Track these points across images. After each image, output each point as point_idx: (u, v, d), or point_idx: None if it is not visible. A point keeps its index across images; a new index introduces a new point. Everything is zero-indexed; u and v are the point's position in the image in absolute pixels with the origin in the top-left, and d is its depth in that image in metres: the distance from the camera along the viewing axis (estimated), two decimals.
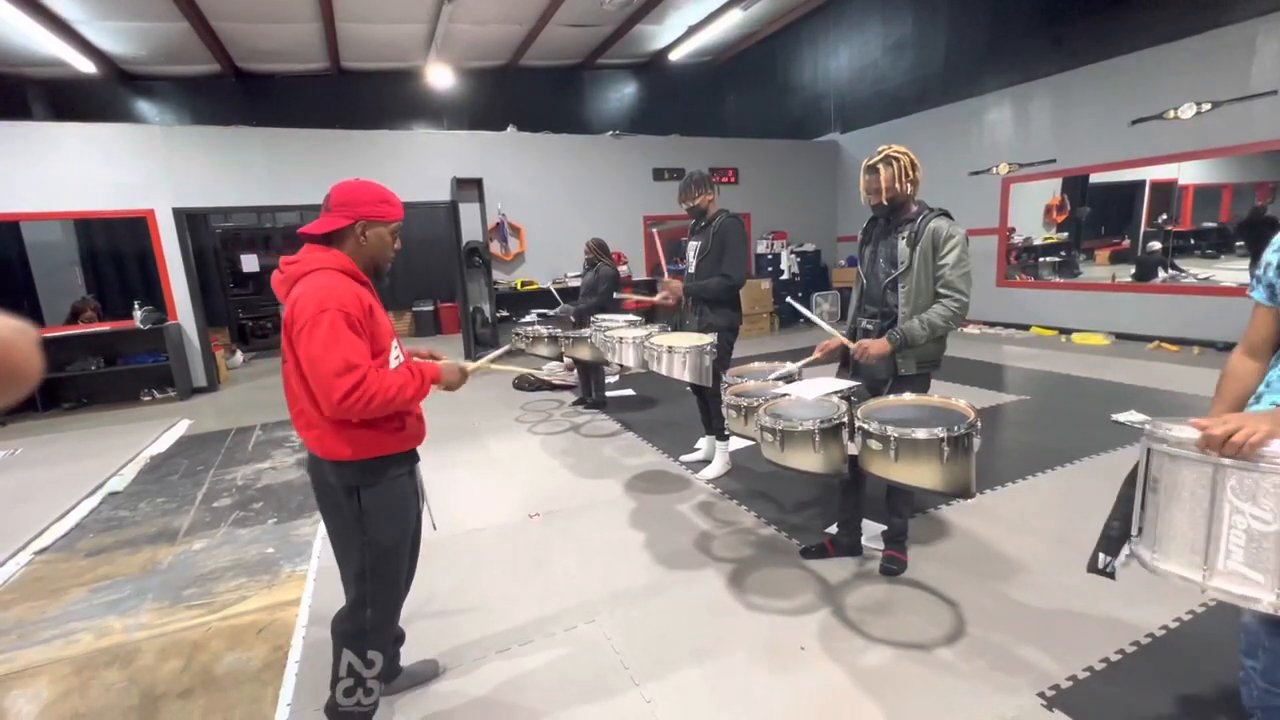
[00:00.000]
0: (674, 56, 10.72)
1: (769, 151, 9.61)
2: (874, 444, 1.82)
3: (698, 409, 3.74)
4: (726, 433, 3.53)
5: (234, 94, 9.21)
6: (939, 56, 8.53)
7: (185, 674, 2.09)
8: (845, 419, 1.96)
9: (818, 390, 2.19)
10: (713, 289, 3.28)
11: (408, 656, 2.01)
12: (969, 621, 2.09)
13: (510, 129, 8.21)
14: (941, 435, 1.70)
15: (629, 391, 5.74)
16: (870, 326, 2.36)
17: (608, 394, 5.53)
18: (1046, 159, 7.26)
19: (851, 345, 2.33)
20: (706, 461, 3.69)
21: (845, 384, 2.23)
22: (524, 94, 10.49)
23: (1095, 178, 7.23)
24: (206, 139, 6.69)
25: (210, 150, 6.66)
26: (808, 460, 1.94)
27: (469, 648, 2.13)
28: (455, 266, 7.80)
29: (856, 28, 9.65)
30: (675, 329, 3.48)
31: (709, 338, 2.93)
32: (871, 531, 2.65)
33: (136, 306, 6.35)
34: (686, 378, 2.85)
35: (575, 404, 5.31)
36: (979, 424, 1.76)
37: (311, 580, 2.63)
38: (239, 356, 8.57)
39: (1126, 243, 7.63)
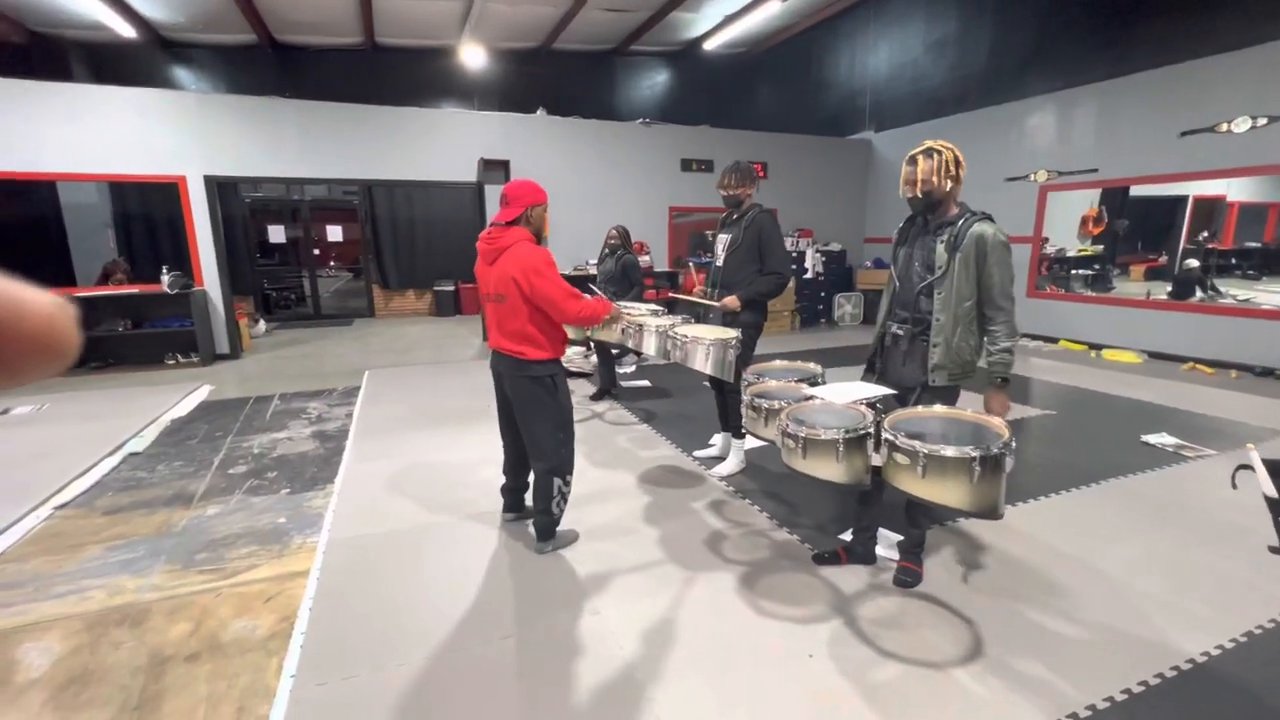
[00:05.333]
0: (708, 46, 10.56)
1: (800, 147, 9.45)
2: (900, 458, 1.75)
3: (714, 404, 3.69)
4: (743, 431, 3.48)
5: (269, 65, 9.26)
6: (981, 57, 8.29)
7: (193, 638, 2.10)
8: (871, 429, 1.90)
9: (844, 395, 2.12)
10: (768, 289, 3.21)
11: (384, 639, 2.00)
12: (986, 641, 2.03)
13: (540, 112, 8.15)
14: (974, 455, 1.63)
15: (645, 383, 5.70)
16: (900, 331, 2.28)
17: (623, 384, 5.50)
18: (1088, 168, 7.03)
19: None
20: (720, 458, 3.64)
21: (873, 390, 2.16)
22: (555, 78, 10.41)
23: (1135, 190, 7.00)
24: (240, 108, 6.73)
25: (243, 120, 6.70)
26: (830, 470, 1.88)
27: (471, 632, 2.12)
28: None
29: (898, 23, 9.41)
30: (698, 321, 3.42)
31: (733, 332, 2.88)
32: (887, 540, 2.59)
33: (165, 271, 6.44)
34: (708, 370, 2.79)
35: (593, 396, 5.25)
36: (1013, 443, 1.69)
37: (321, 553, 2.64)
38: (262, 325, 8.67)
39: (1163, 259, 7.39)
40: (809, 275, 9.24)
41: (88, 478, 3.51)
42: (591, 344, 5.43)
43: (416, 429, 4.34)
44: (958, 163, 2.12)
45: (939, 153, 2.11)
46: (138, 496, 3.28)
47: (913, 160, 2.16)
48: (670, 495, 3.24)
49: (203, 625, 2.17)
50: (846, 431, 1.85)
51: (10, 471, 3.58)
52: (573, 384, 5.65)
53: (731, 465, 3.49)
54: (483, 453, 3.78)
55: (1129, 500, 3.13)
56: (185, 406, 4.96)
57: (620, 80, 11.24)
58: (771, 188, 9.28)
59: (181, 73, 9.14)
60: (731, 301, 3.22)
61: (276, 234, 10.59)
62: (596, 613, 2.20)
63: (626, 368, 6.23)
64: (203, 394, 5.37)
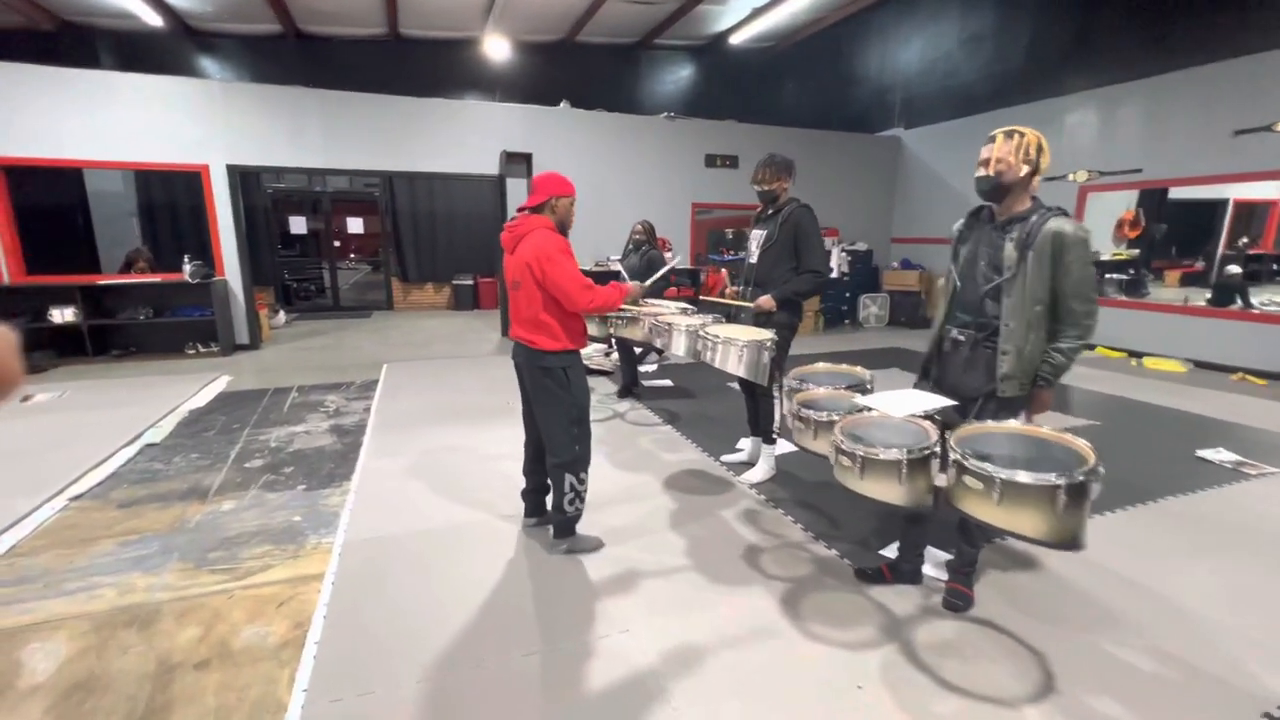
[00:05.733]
0: (735, 40, 10.35)
1: (827, 143, 9.22)
2: (972, 481, 1.59)
3: (740, 406, 3.53)
4: (774, 436, 3.33)
5: (293, 55, 9.24)
6: (1020, 51, 8.00)
7: (203, 644, 2.00)
8: (936, 448, 1.74)
9: (902, 406, 1.96)
10: (805, 288, 3.06)
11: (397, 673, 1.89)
12: (1056, 675, 1.86)
13: (564, 104, 8.02)
14: (1059, 483, 1.47)
15: (666, 382, 5.56)
16: (962, 337, 2.10)
17: (645, 383, 5.36)
18: (1131, 168, 6.74)
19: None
20: (749, 464, 3.49)
21: (933, 401, 2.00)
22: (578, 71, 10.28)
23: (1174, 193, 6.71)
24: (263, 97, 6.69)
25: (266, 109, 6.66)
26: (890, 491, 1.73)
27: (492, 646, 2.00)
28: (498, 241, 7.68)
29: (931, 18, 9.14)
30: (729, 320, 3.27)
31: (768, 333, 2.72)
32: (934, 559, 2.43)
33: (186, 260, 6.41)
34: (741, 373, 2.64)
35: (618, 393, 5.13)
36: (1100, 468, 1.52)
37: (336, 556, 2.53)
38: (281, 316, 8.66)
39: (1200, 265, 7.09)
40: (834, 275, 9.02)
41: (104, 468, 3.45)
42: (613, 341, 5.31)
43: (434, 424, 4.24)
44: (1040, 150, 1.94)
45: (1021, 134, 1.94)
46: (153, 489, 3.21)
47: (991, 138, 1.99)
48: (698, 502, 3.09)
49: (213, 630, 2.07)
50: (910, 451, 1.69)
51: (28, 460, 3.54)
52: (594, 382, 5.53)
53: (762, 472, 3.33)
54: (501, 450, 3.66)
55: (1190, 521, 2.92)
56: (204, 397, 4.92)
57: (644, 74, 11.08)
58: (797, 185, 9.03)
59: (207, 62, 9.14)
60: (766, 301, 3.06)
61: (298, 225, 10.59)
62: (626, 630, 2.07)
63: (648, 366, 6.09)
64: (221, 384, 5.33)
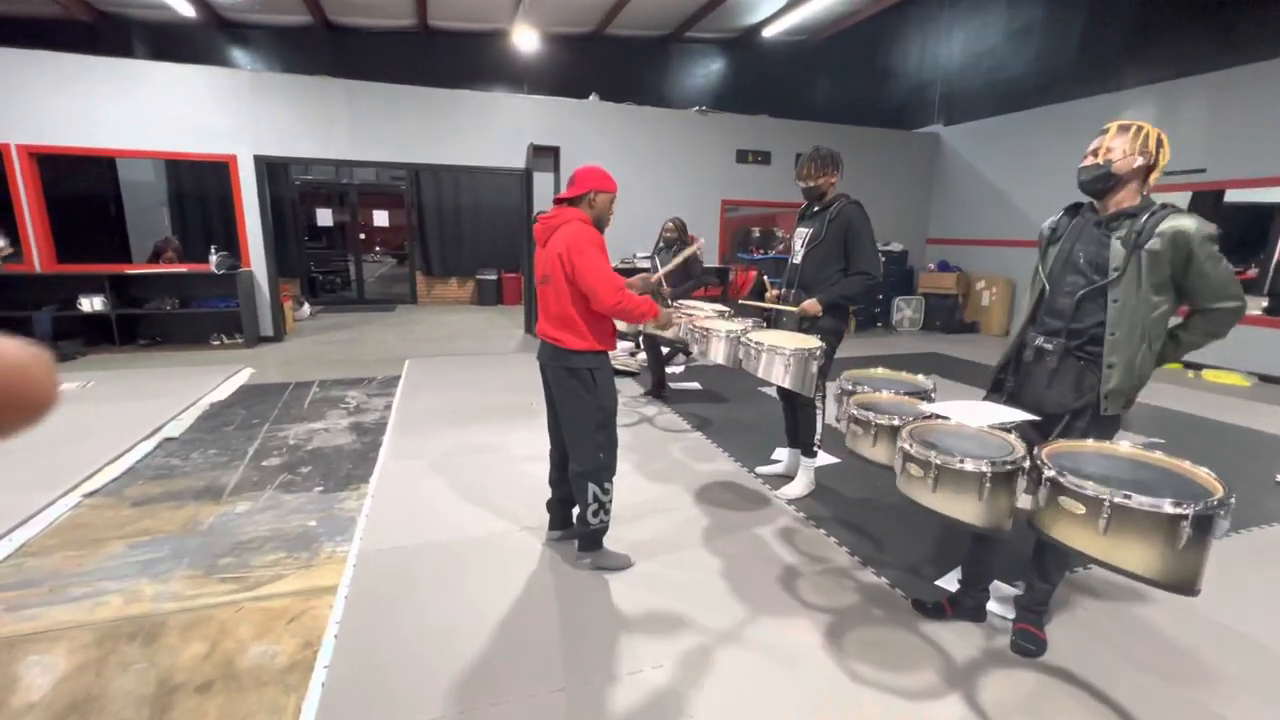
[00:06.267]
0: (767, 33, 10.08)
1: (861, 139, 8.89)
2: (1071, 504, 1.38)
3: (775, 413, 3.32)
4: (815, 449, 3.12)
5: (323, 46, 9.22)
6: (1072, 44, 7.61)
7: (207, 662, 1.87)
8: (1024, 463, 1.53)
9: (977, 417, 1.74)
10: (854, 291, 2.83)
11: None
12: None
13: (593, 97, 7.84)
14: (1185, 512, 1.25)
15: (694, 385, 5.36)
16: (1049, 346, 1.86)
17: (672, 386, 5.17)
18: (1194, 168, 6.33)
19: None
20: (787, 477, 3.28)
21: (1010, 414, 1.78)
22: (606, 64, 10.11)
23: (1230, 195, 6.30)
24: (291, 87, 6.63)
25: (294, 100, 6.60)
26: (966, 508, 1.53)
27: (514, 680, 1.83)
28: (524, 236, 7.56)
29: (976, 9, 8.77)
30: (770, 325, 3.06)
31: (816, 341, 2.51)
32: (999, 593, 2.20)
33: (212, 251, 6.39)
34: (786, 384, 2.44)
35: (645, 395, 4.97)
36: (1232, 500, 1.30)
37: (350, 567, 2.39)
38: (306, 309, 8.65)
39: (1253, 272, 6.68)
40: None
41: (121, 463, 3.37)
42: (640, 340, 5.13)
43: (456, 424, 4.11)
44: (1161, 145, 1.71)
45: (1140, 127, 1.72)
46: (168, 486, 3.12)
47: (1104, 130, 1.77)
48: (732, 518, 2.90)
49: (219, 646, 1.95)
50: (995, 464, 1.49)
51: (46, 453, 3.47)
52: (618, 384, 5.36)
53: (800, 487, 3.12)
54: (525, 452, 3.52)
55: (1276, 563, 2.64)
56: (225, 390, 4.86)
57: (674, 68, 10.86)
58: None
59: (239, 53, 9.17)
60: (812, 306, 2.85)
61: (324, 217, 10.59)
62: (659, 666, 1.88)
63: (675, 368, 5.89)
64: (243, 377, 5.27)
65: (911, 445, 1.61)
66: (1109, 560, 1.35)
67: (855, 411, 1.92)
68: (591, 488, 2.29)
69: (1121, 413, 1.77)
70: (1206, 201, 6.53)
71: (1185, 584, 1.33)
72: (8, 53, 5.68)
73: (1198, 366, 6.29)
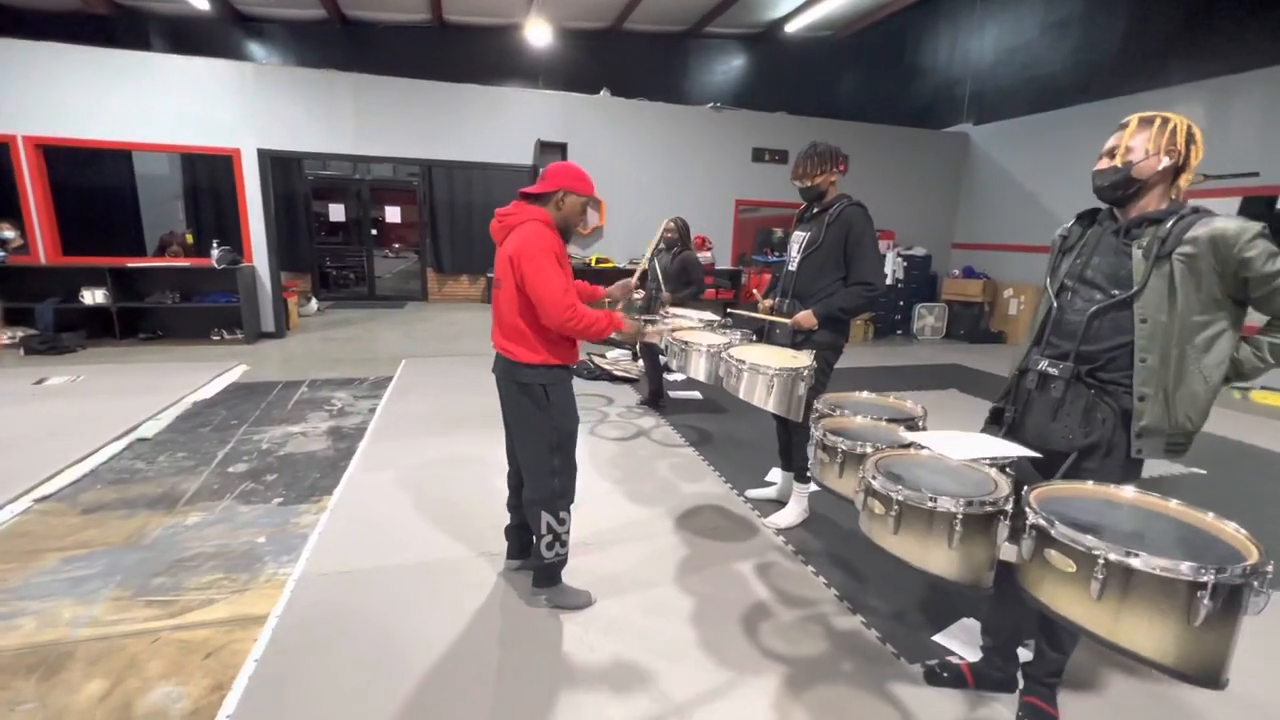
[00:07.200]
0: (790, 28, 9.74)
1: (885, 138, 8.52)
2: (1059, 560, 1.11)
3: (776, 435, 3.05)
4: (809, 475, 2.84)
5: (337, 40, 9.17)
6: (1114, 39, 7.14)
7: (102, 706, 1.69)
8: (1007, 505, 1.26)
9: (962, 449, 1.47)
10: (853, 304, 2.55)
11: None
12: None
13: (604, 92, 7.62)
14: (1204, 579, 0.97)
15: (694, 394, 5.10)
16: (1055, 371, 1.56)
17: (670, 394, 4.92)
18: (1246, 171, 5.85)
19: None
20: (778, 502, 3.02)
21: (1008, 449, 1.50)
22: (622, 60, 9.88)
23: None
24: (296, 80, 6.54)
25: (298, 92, 6.51)
26: (934, 557, 1.28)
27: None
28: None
29: (1010, 3, 8.32)
30: (761, 338, 2.80)
31: (805, 358, 2.25)
32: (963, 636, 1.91)
33: (215, 245, 6.33)
34: (770, 407, 2.19)
35: (641, 404, 4.74)
36: (1269, 568, 1.02)
37: (288, 592, 2.20)
38: (313, 304, 8.60)
39: None
40: (888, 281, 8.34)
41: (83, 465, 3.25)
42: (639, 347, 4.90)
43: (438, 431, 3.92)
44: (1190, 141, 1.42)
45: (1165, 119, 1.43)
46: (124, 493, 2.98)
47: (1123, 124, 1.48)
48: (712, 549, 2.64)
49: (121, 685, 1.76)
50: (970, 503, 1.22)
51: (14, 452, 3.38)
52: (616, 391, 5.13)
53: (791, 515, 2.85)
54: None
55: None
56: (213, 389, 4.75)
57: (692, 64, 10.58)
58: (851, 181, 8.33)
59: (254, 46, 9.16)
60: (805, 318, 2.58)
61: (337, 213, 10.57)
62: None
63: (675, 375, 5.64)
64: (234, 375, 5.18)
65: (875, 477, 1.35)
66: (1103, 634, 1.08)
67: (822, 436, 1.66)
68: (546, 518, 2.05)
69: (1166, 458, 1.47)
70: (1259, 207, 6.05)
71: (1204, 673, 1.04)
72: (12, 44, 5.68)
73: (1244, 387, 5.81)
